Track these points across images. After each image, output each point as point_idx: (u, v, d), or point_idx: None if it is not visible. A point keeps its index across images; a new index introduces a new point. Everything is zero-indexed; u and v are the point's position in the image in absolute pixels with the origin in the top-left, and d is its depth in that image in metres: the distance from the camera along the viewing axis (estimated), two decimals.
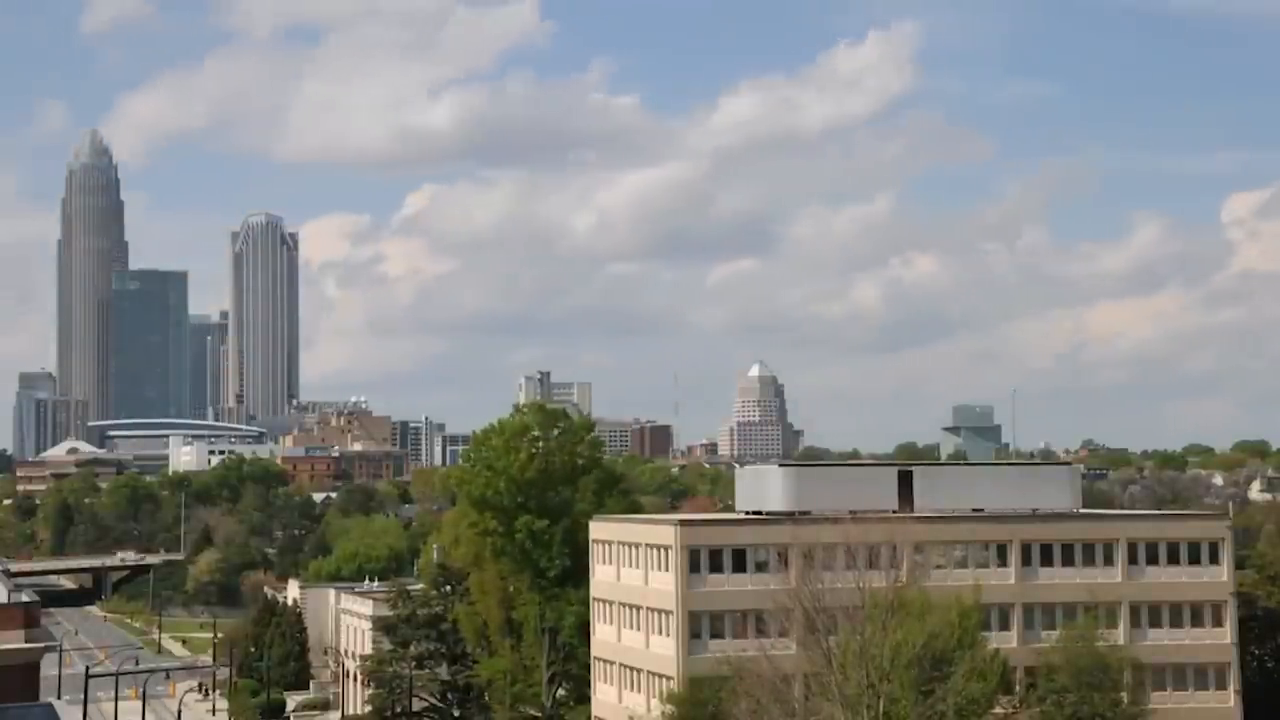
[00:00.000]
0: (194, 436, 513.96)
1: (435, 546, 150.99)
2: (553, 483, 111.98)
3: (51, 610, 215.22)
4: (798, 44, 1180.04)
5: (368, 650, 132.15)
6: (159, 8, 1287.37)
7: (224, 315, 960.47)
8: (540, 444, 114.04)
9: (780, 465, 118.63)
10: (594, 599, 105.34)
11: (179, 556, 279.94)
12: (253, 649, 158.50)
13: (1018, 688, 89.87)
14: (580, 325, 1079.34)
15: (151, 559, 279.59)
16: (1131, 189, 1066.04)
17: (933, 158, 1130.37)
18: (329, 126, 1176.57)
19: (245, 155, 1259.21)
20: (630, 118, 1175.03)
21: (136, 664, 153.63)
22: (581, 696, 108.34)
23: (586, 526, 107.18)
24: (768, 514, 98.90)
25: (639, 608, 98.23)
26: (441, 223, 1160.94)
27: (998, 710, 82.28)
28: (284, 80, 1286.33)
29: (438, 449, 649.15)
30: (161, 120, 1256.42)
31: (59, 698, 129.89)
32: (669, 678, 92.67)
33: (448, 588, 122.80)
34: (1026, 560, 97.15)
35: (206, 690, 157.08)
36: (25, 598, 71.77)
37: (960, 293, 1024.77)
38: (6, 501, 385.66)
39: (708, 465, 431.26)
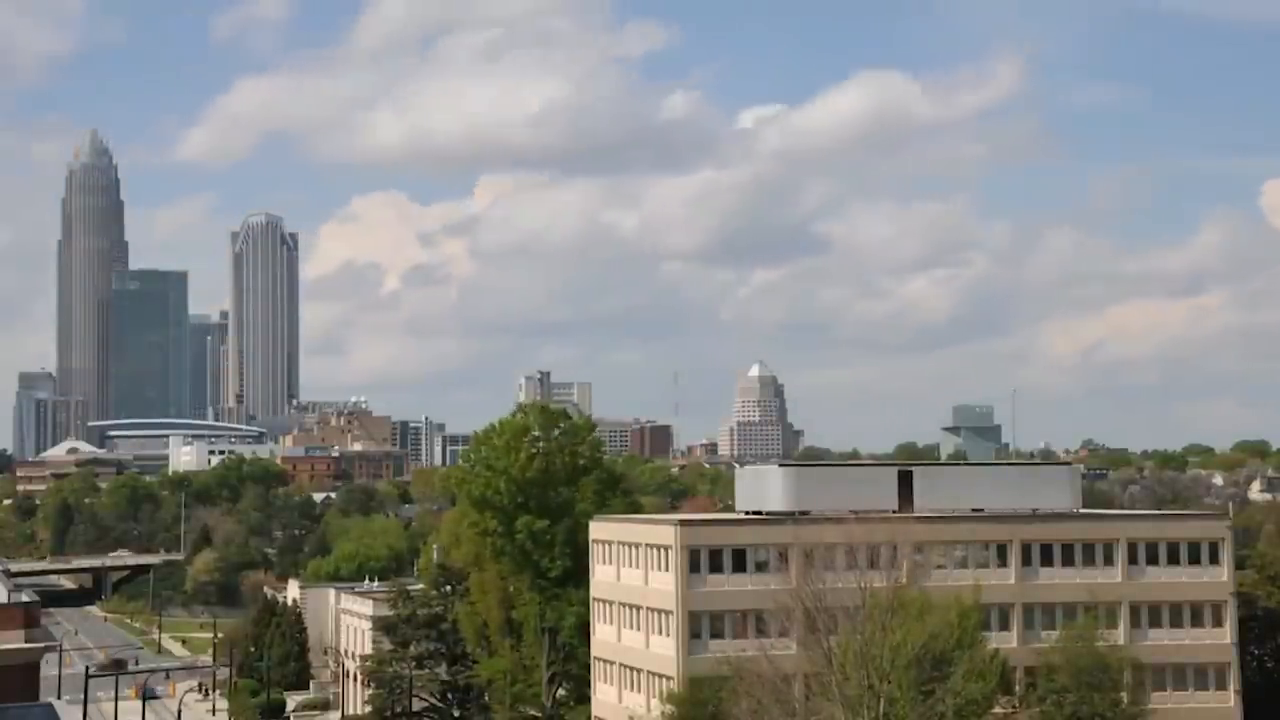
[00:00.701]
0: (194, 436, 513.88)
1: (435, 546, 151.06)
2: (553, 483, 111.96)
3: (51, 610, 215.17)
4: (876, 48, 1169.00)
5: (368, 650, 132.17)
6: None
7: (224, 315, 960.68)
8: (541, 444, 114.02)
9: (780, 465, 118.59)
10: (594, 599, 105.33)
11: (179, 556, 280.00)
12: (253, 649, 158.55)
13: (1018, 688, 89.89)
14: (620, 325, 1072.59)
15: (151, 559, 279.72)
16: (1199, 191, 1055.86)
17: (1009, 160, 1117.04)
18: (409, 126, 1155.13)
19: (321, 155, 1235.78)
20: (698, 117, 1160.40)
21: (136, 664, 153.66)
22: (581, 696, 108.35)
23: (587, 527, 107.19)
24: (768, 514, 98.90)
25: (639, 608, 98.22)
26: (503, 224, 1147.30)
27: (998, 710, 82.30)
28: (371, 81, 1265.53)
29: (438, 449, 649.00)
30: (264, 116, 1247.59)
31: (59, 698, 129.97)
32: (669, 678, 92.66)
33: (448, 588, 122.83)
34: (1026, 560, 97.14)
35: (206, 690, 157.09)
36: (25, 598, 71.82)
37: (1005, 293, 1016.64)
38: (6, 501, 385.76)
39: (708, 465, 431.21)
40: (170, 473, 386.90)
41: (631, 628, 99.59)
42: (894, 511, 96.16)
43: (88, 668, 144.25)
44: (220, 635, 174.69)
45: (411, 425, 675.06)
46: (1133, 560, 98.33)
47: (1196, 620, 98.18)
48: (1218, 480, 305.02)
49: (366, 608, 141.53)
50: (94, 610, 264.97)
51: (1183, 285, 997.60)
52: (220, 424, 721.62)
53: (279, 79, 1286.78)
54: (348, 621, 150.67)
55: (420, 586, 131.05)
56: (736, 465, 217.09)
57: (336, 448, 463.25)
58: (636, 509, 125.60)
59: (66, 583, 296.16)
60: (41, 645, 68.76)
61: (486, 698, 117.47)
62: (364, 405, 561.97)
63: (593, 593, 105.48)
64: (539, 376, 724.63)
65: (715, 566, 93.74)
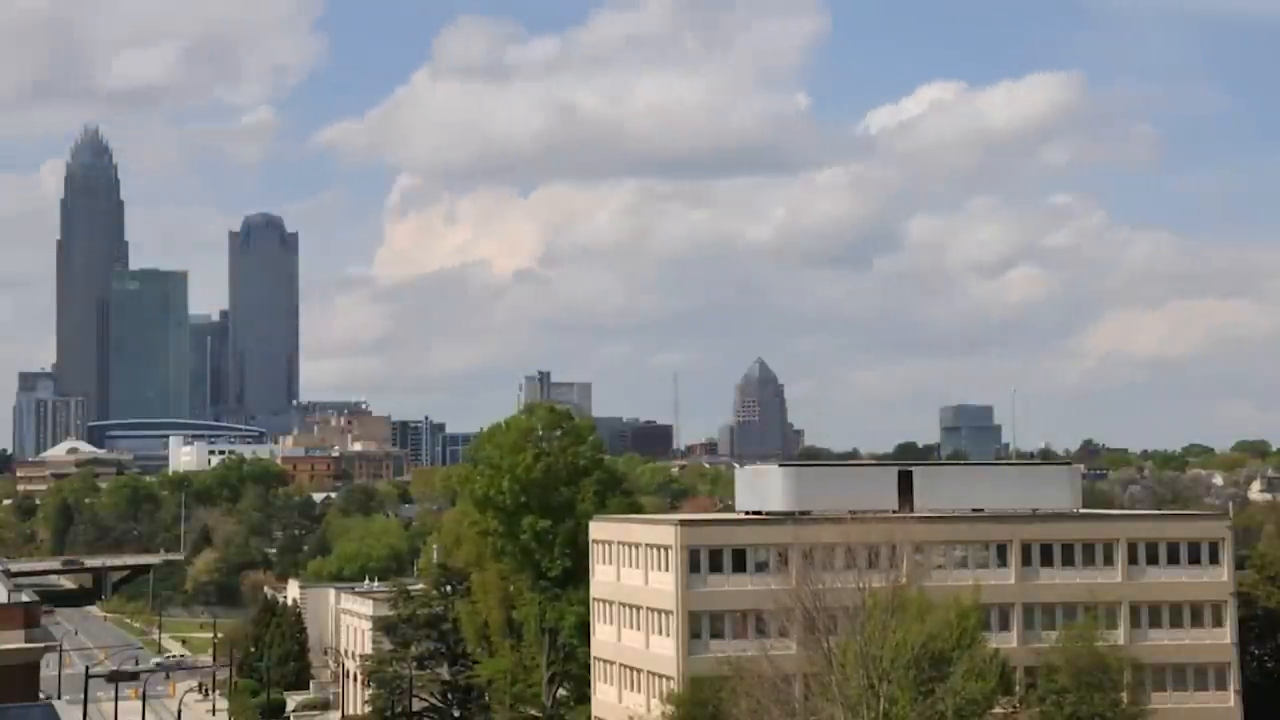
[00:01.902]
0: (194, 436, 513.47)
1: (436, 546, 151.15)
2: (555, 483, 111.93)
3: (51, 610, 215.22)
4: (968, 52, 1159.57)
5: (368, 650, 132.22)
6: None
7: (224, 315, 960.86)
8: (544, 444, 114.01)
9: (780, 465, 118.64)
10: (594, 599, 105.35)
11: (179, 556, 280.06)
12: (253, 649, 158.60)
13: (1018, 688, 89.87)
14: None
15: (151, 559, 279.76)
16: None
17: (1097, 161, 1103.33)
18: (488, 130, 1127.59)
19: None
20: (798, 122, 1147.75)
21: (136, 664, 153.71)
22: (582, 696, 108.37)
23: (588, 527, 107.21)
24: (768, 514, 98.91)
25: (639, 608, 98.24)
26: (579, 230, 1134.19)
27: (997, 710, 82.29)
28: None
29: (438, 449, 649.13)
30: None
31: (59, 698, 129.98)
32: (669, 678, 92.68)
33: (448, 588, 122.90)
34: (1026, 560, 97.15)
35: (206, 690, 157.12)
36: (25, 598, 71.89)
37: (1062, 294, 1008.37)
38: (6, 501, 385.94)
39: (708, 465, 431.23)
40: (170, 473, 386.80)
41: (631, 628, 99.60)
42: (894, 511, 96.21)
43: (88, 667, 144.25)
44: (220, 635, 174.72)
45: (411, 425, 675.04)
46: (1133, 560, 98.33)
47: (1196, 620, 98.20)
48: (1218, 480, 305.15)
49: (367, 608, 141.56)
50: (94, 610, 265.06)
51: None
52: (220, 424, 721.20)
53: None
54: (348, 621, 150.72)
55: (420, 586, 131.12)
56: (736, 465, 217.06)
57: (336, 448, 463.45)
58: (637, 509, 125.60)
59: (66, 583, 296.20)
60: (41, 645, 68.84)
61: (487, 698, 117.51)
62: (364, 405, 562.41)
63: (593, 593, 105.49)
64: (539, 376, 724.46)
65: (715, 566, 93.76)
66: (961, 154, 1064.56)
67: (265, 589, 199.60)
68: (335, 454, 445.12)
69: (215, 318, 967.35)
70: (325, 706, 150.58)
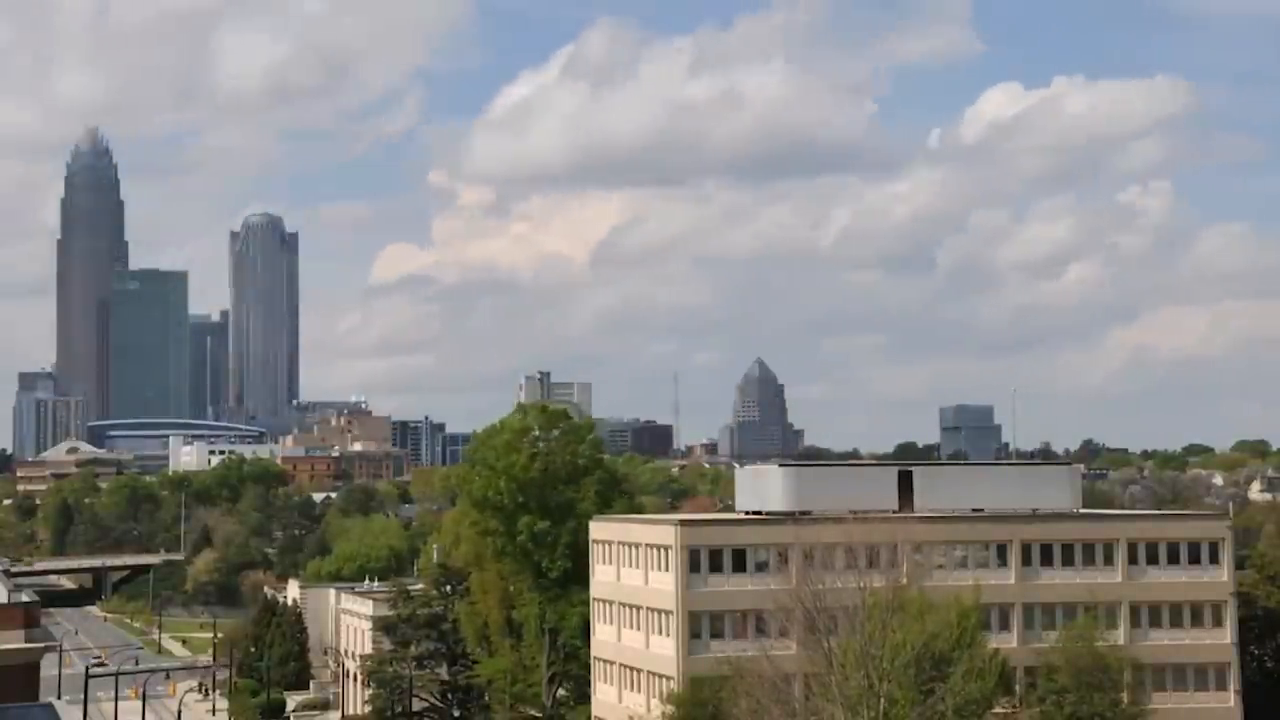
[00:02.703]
0: (194, 436, 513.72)
1: (435, 546, 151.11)
2: (554, 483, 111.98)
3: (51, 610, 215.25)
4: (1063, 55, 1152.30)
5: (368, 650, 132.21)
6: None
7: (224, 315, 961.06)
8: (541, 444, 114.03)
9: (780, 465, 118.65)
10: (594, 599, 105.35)
11: (179, 556, 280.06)
12: (253, 649, 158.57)
13: (1018, 688, 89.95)
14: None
15: (151, 559, 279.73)
16: None
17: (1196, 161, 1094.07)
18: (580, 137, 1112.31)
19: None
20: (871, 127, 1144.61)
21: (136, 664, 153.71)
22: (582, 697, 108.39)
23: (588, 527, 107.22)
24: (768, 514, 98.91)
25: (639, 608, 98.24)
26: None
27: (997, 710, 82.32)
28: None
29: (438, 449, 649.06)
30: None
31: (59, 698, 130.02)
32: (669, 678, 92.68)
33: (448, 588, 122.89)
34: (1026, 560, 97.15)
35: (206, 690, 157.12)
36: (25, 598, 71.87)
37: (1105, 290, 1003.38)
38: (6, 501, 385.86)
39: (708, 465, 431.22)
40: (170, 473, 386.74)
41: (632, 628, 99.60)
42: (894, 511, 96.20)
43: (88, 667, 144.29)
44: (220, 635, 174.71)
45: (411, 425, 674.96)
46: (1133, 560, 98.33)
47: (1196, 620, 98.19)
48: (1218, 480, 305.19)
49: (366, 608, 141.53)
50: (94, 610, 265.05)
51: None
52: (220, 424, 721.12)
53: None
54: (348, 621, 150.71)
55: (420, 586, 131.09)
56: (736, 465, 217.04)
57: (336, 448, 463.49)
58: (637, 509, 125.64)
59: (66, 583, 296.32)
60: (41, 645, 68.82)
61: (487, 698, 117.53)
62: (364, 405, 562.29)
63: (593, 593, 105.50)
64: (539, 376, 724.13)
65: (715, 566, 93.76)
66: (1032, 157, 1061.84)
67: (265, 589, 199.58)
68: (335, 454, 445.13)
69: (215, 318, 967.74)
70: (325, 706, 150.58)
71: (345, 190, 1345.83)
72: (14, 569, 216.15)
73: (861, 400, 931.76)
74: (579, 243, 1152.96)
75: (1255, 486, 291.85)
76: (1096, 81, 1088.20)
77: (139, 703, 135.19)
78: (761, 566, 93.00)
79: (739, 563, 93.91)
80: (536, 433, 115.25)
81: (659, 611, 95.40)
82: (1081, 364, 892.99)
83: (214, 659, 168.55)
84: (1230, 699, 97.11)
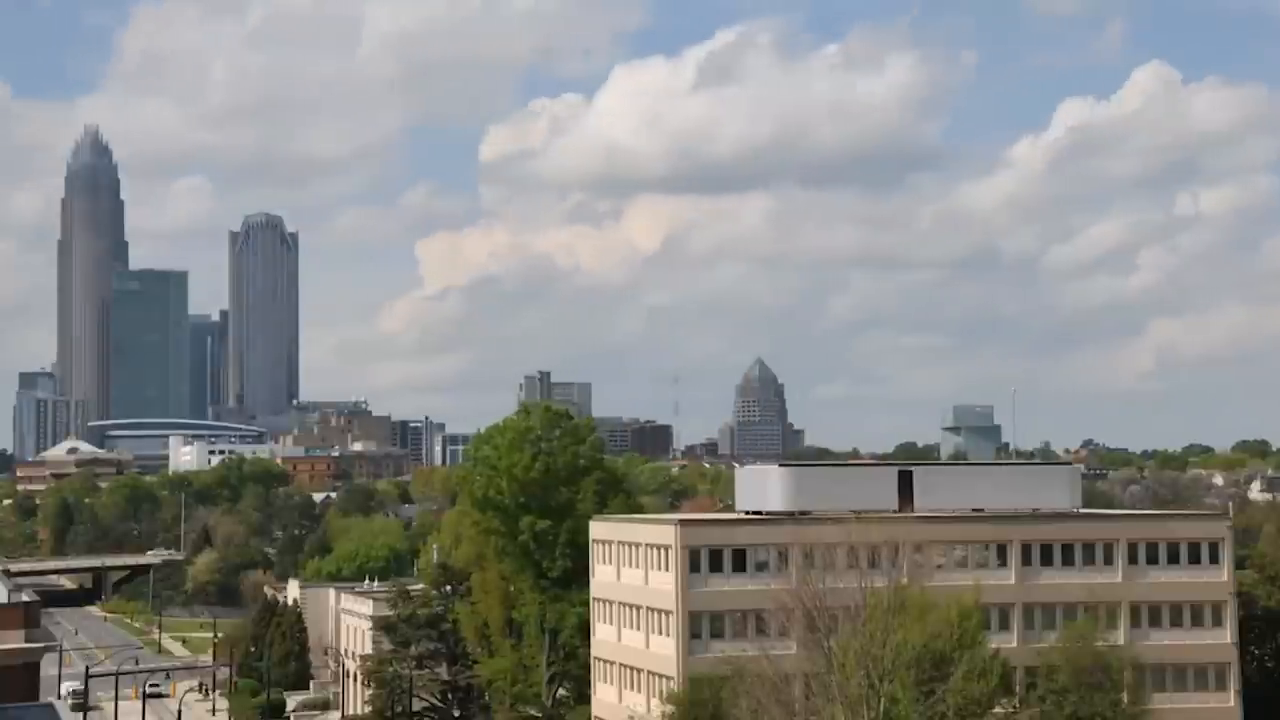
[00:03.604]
0: (194, 436, 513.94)
1: (436, 546, 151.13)
2: (555, 483, 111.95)
3: (51, 610, 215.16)
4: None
5: (368, 650, 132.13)
6: None
7: (224, 315, 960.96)
8: (543, 444, 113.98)
9: (780, 465, 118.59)
10: (594, 599, 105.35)
11: (179, 556, 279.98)
12: (253, 649, 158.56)
13: (1018, 688, 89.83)
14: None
15: (151, 559, 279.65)
16: None
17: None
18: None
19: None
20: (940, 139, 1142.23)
21: (136, 664, 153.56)
22: (582, 696, 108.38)
23: (588, 527, 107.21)
24: (768, 514, 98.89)
25: (639, 608, 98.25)
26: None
27: (998, 710, 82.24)
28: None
29: (438, 449, 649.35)
30: None
31: (59, 698, 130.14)
32: (669, 678, 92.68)
33: (448, 588, 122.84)
34: (1026, 560, 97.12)
35: (207, 690, 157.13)
36: (25, 598, 71.89)
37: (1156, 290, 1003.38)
38: (6, 501, 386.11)
39: (708, 465, 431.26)
40: (170, 473, 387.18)
41: (632, 628, 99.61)
42: (894, 511, 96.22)
43: (88, 667, 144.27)
44: (220, 635, 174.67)
45: (411, 425, 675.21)
46: (1133, 560, 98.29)
47: (1196, 620, 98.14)
48: (1218, 480, 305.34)
49: (366, 608, 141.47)
50: (94, 610, 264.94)
51: None
52: (220, 424, 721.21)
53: None
54: (348, 621, 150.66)
55: (420, 586, 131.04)
56: (736, 465, 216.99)
57: (336, 448, 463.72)
58: (637, 509, 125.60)
59: (66, 583, 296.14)
60: (41, 645, 68.91)
61: (487, 698, 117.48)
62: (364, 405, 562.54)
63: (593, 593, 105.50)
64: (539, 376, 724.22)
65: (715, 566, 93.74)
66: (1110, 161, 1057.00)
67: (265, 589, 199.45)
68: (335, 454, 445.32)
69: (215, 318, 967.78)
70: (325, 706, 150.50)
71: (346, 190, 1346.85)
72: (13, 569, 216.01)
73: (881, 400, 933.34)
74: (653, 238, 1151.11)
75: (1255, 487, 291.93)
76: (1186, 85, 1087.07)
77: (139, 703, 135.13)
78: (762, 566, 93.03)
79: (739, 563, 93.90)
80: (539, 433, 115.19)
81: (659, 611, 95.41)
82: (1100, 365, 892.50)
83: (214, 659, 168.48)
84: (1230, 699, 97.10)
